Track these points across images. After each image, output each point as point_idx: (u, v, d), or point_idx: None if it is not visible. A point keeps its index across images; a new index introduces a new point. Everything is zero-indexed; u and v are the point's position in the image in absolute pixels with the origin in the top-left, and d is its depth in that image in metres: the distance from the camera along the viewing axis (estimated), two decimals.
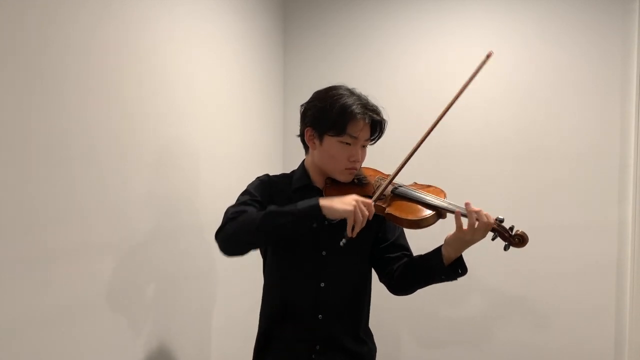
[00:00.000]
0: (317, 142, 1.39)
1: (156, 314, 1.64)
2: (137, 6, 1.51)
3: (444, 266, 1.34)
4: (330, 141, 1.36)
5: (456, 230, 1.29)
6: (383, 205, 1.33)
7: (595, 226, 2.33)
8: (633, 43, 2.28)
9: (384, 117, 1.39)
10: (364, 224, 1.23)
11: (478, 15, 2.46)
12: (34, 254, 1.16)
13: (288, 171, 1.53)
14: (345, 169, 1.39)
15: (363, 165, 1.45)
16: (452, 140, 2.45)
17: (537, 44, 2.39)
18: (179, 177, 1.76)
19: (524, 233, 1.28)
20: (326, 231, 1.38)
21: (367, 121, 1.35)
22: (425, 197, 1.35)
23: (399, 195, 1.36)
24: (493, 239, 1.31)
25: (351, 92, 1.38)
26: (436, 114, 1.30)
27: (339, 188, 1.40)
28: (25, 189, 1.14)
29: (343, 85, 1.40)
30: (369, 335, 1.54)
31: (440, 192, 1.38)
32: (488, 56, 1.33)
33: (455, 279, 1.36)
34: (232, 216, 1.32)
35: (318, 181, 1.45)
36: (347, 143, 1.35)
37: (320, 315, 1.42)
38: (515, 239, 1.28)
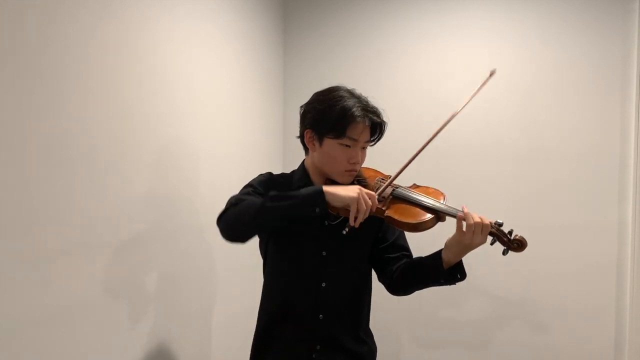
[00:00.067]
0: (316, 144, 1.39)
1: (156, 314, 1.64)
2: (137, 6, 1.51)
3: (444, 270, 1.34)
4: (330, 143, 1.36)
5: (456, 232, 1.29)
6: (382, 208, 1.33)
7: (595, 226, 2.33)
8: (633, 43, 2.28)
9: (384, 118, 1.39)
10: (366, 215, 1.24)
11: (478, 15, 2.45)
12: (34, 254, 1.16)
13: (288, 171, 1.53)
14: (345, 170, 1.38)
15: (363, 165, 1.45)
16: (452, 140, 2.44)
17: (537, 44, 2.38)
18: (179, 177, 1.76)
19: (523, 238, 1.27)
20: (326, 231, 1.38)
21: (367, 123, 1.34)
22: (424, 200, 1.34)
23: (398, 198, 1.36)
24: (492, 244, 1.31)
25: (351, 94, 1.37)
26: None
27: None
28: (25, 189, 1.14)
29: (343, 87, 1.39)
30: (369, 335, 1.54)
31: (439, 195, 1.38)
32: (491, 74, 1.33)
33: (454, 283, 1.36)
34: (235, 202, 1.33)
35: (318, 182, 1.44)
36: (347, 145, 1.35)
37: (320, 315, 1.42)
38: (514, 244, 1.27)
